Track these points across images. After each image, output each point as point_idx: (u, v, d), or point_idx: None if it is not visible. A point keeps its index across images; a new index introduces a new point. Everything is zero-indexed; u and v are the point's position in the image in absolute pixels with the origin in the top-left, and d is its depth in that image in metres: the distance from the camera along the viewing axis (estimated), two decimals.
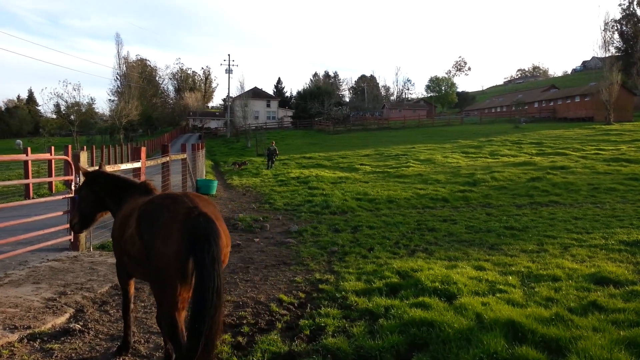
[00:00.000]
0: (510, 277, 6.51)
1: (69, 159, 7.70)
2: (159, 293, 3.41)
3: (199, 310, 3.09)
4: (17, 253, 7.00)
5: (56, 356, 4.28)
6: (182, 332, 3.31)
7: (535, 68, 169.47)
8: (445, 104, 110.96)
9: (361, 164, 27.96)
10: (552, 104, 73.25)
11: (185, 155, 14.57)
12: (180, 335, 3.29)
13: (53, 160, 17.65)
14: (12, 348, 4.40)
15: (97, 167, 4.78)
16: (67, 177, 8.08)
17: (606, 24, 68.02)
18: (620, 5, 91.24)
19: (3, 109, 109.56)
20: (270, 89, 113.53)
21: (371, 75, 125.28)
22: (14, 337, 4.56)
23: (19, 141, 60.39)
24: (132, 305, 4.37)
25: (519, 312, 4.74)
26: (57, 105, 60.38)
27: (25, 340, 4.57)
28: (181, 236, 3.20)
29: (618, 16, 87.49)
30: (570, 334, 4.21)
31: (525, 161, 25.69)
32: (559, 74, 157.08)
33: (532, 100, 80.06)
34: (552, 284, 6.15)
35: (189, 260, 3.18)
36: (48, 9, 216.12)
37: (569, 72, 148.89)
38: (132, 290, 4.35)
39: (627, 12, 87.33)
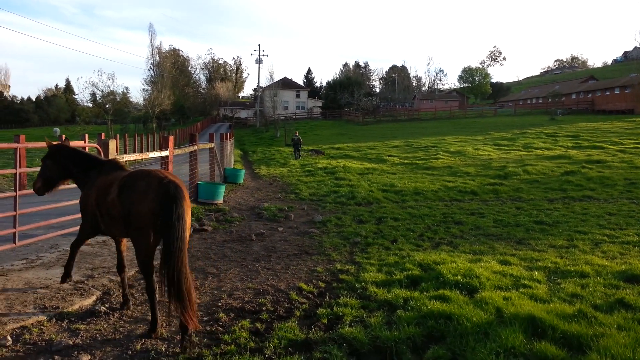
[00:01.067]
0: (536, 273, 6.38)
1: (98, 146, 7.90)
2: (136, 242, 4.47)
3: (168, 253, 4.15)
4: (48, 237, 7.27)
5: (81, 336, 4.44)
6: (153, 270, 4.48)
7: (573, 58, 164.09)
8: (479, 95, 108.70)
9: (389, 155, 27.75)
10: (590, 95, 70.80)
11: (212, 145, 14.76)
12: (152, 272, 4.47)
13: (87, 148, 18.11)
14: (42, 327, 4.59)
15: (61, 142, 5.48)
16: None
17: None
18: None
19: (42, 97, 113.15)
20: (300, 79, 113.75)
21: (402, 65, 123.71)
22: (43, 316, 4.75)
23: (56, 129, 62.34)
24: (77, 250, 5.46)
25: (540, 308, 4.64)
26: (93, 94, 61.95)
27: (54, 320, 4.76)
28: (154, 198, 4.25)
29: None
30: (593, 331, 4.10)
31: (560, 154, 24.99)
32: (599, 64, 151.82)
33: (569, 92, 77.58)
34: (579, 281, 5.99)
35: (159, 216, 4.22)
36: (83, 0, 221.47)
37: (609, 62, 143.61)
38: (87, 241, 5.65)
39: None
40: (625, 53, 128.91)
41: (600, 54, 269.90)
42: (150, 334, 4.49)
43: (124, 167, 5.19)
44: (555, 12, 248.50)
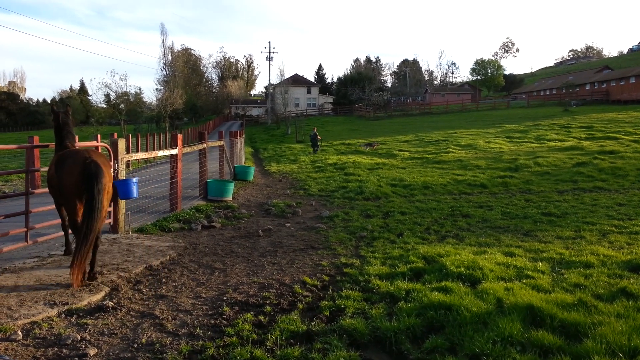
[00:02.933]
0: (540, 264, 6.38)
1: (108, 146, 8.06)
2: (66, 206, 5.74)
3: (88, 218, 5.39)
4: (60, 235, 7.43)
5: (89, 330, 4.57)
6: (80, 227, 5.50)
7: (588, 48, 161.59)
8: (492, 88, 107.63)
9: (400, 150, 27.70)
10: (605, 85, 69.71)
11: (222, 143, 14.90)
12: (77, 229, 5.57)
13: (99, 148, 18.40)
14: (51, 322, 4.73)
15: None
16: None
17: None
18: None
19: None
20: (311, 76, 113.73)
21: (414, 59, 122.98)
22: (53, 312, 4.88)
23: None
24: (66, 222, 6.35)
25: (539, 297, 4.67)
26: (107, 95, 62.82)
27: (63, 315, 4.89)
28: (79, 173, 5.40)
29: None
30: (591, 320, 4.12)
31: (572, 146, 24.72)
32: (614, 54, 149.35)
33: (583, 82, 76.47)
34: (583, 271, 5.99)
35: (83, 189, 5.46)
36: (95, 2, 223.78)
37: (625, 51, 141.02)
38: (63, 212, 6.34)
39: None
40: None
41: (615, 43, 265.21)
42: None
43: (68, 146, 6.16)
44: (569, 1, 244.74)
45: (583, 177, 16.02)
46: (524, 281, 5.54)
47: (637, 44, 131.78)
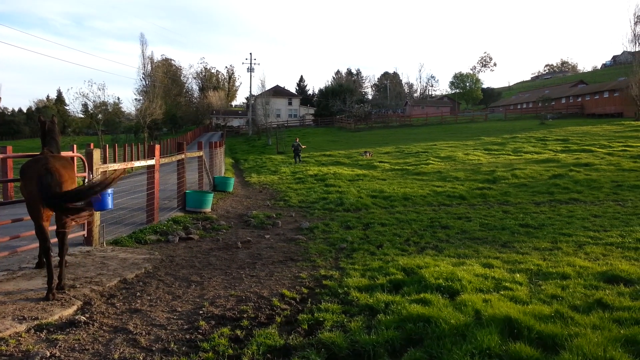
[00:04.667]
0: (518, 275, 6.42)
1: (82, 156, 7.90)
2: (31, 212, 5.69)
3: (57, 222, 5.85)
4: (32, 247, 7.22)
5: (59, 346, 4.41)
6: (47, 234, 5.66)
7: (563, 63, 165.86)
8: (470, 101, 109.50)
9: (380, 161, 27.84)
10: (579, 99, 71.48)
11: (201, 153, 14.75)
12: (46, 238, 5.65)
13: (74, 158, 18.04)
14: (19, 338, 4.55)
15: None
16: (81, 174, 8.28)
17: (637, 16, 65.59)
18: None
19: (33, 109, 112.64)
20: (292, 87, 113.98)
21: (394, 72, 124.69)
22: (21, 327, 4.71)
23: None
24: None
25: (517, 309, 4.68)
26: (85, 105, 61.90)
27: (32, 331, 4.72)
28: (36, 182, 5.43)
29: None
30: (568, 331, 4.13)
31: (548, 158, 25.18)
32: (589, 69, 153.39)
33: (559, 96, 78.28)
34: (560, 282, 6.04)
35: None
36: (73, 12, 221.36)
37: (599, 67, 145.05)
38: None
39: None
40: (615, 57, 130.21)
41: (590, 58, 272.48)
42: (48, 296, 5.46)
43: (37, 155, 6.25)
44: (545, 18, 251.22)
45: (559, 188, 16.29)
46: (502, 292, 5.55)
47: (610, 59, 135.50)
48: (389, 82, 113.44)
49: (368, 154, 31.98)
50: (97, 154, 8.07)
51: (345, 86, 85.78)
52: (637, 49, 61.47)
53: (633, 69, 55.85)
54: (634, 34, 62.00)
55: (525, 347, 3.88)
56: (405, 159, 28.72)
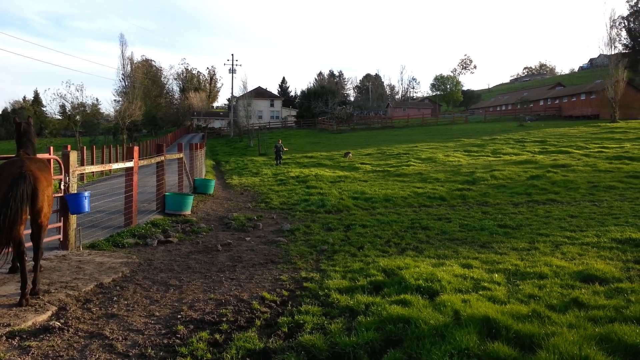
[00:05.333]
0: (496, 275, 6.48)
1: (59, 158, 7.74)
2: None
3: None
4: (4, 252, 7.03)
5: (32, 353, 4.30)
6: (21, 238, 5.52)
7: (542, 66, 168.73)
8: (451, 103, 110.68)
9: (362, 163, 27.93)
10: (557, 101, 72.82)
11: (181, 155, 14.60)
12: (21, 241, 5.50)
13: (51, 160, 17.70)
14: None
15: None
16: (57, 177, 8.12)
17: (613, 20, 67.15)
18: (627, 1, 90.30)
19: (9, 110, 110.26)
20: (274, 89, 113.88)
21: (376, 74, 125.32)
22: None
23: None
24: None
25: (495, 309, 4.72)
26: (62, 106, 60.83)
27: (4, 338, 4.59)
28: (9, 184, 5.34)
29: (626, 13, 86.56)
30: (545, 331, 4.18)
31: (527, 159, 25.56)
32: (566, 71, 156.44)
33: (537, 98, 79.61)
34: (537, 282, 6.11)
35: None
36: (52, 11, 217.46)
37: (576, 69, 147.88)
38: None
39: (635, 8, 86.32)
40: (591, 60, 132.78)
41: (567, 61, 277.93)
42: (21, 301, 5.35)
43: (13, 157, 6.20)
44: (524, 21, 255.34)
45: (537, 189, 16.53)
46: (480, 293, 5.60)
47: (587, 62, 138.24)
48: (371, 84, 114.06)
49: (349, 155, 32.33)
50: (74, 156, 7.92)
51: (327, 88, 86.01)
52: (613, 52, 62.96)
53: (609, 71, 57.17)
54: (610, 38, 63.52)
55: (503, 346, 3.92)
56: (386, 161, 28.86)
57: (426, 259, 7.59)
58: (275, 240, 9.56)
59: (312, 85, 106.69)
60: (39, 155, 6.80)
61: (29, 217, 5.68)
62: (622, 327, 4.15)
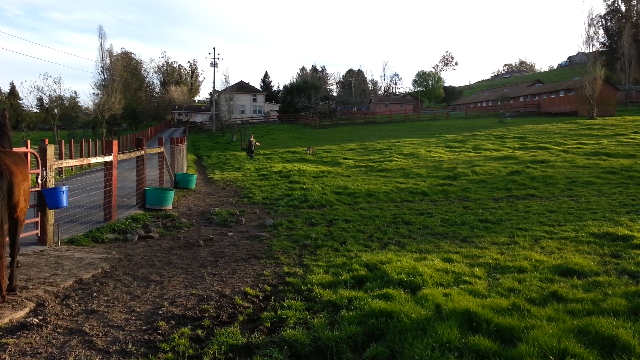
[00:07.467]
0: (477, 269, 6.56)
1: (36, 152, 7.58)
2: None
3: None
4: None
5: (9, 351, 4.22)
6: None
7: (522, 63, 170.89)
8: (432, 99, 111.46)
9: (344, 158, 27.98)
10: (536, 98, 73.84)
11: (162, 149, 14.43)
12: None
13: (28, 154, 17.33)
14: None
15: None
16: (34, 171, 7.96)
17: (591, 19, 68.57)
18: (604, 0, 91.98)
19: None
20: (257, 83, 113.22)
21: (359, 69, 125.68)
22: None
23: None
24: None
25: (476, 302, 4.78)
26: (40, 99, 59.63)
27: None
28: None
29: (603, 11, 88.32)
30: (525, 324, 4.25)
31: (506, 155, 25.91)
32: (545, 68, 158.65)
33: (517, 95, 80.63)
34: (517, 275, 6.20)
35: None
36: (28, 2, 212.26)
37: (555, 67, 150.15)
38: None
39: (612, 7, 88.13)
40: (570, 58, 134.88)
41: (547, 58, 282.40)
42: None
43: None
44: (504, 18, 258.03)
45: (517, 185, 16.78)
46: (461, 286, 5.66)
47: (566, 60, 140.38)
48: (354, 79, 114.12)
49: (311, 149, 33.16)
50: (51, 150, 7.76)
51: (310, 83, 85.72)
52: (591, 50, 64.11)
53: (587, 69, 58.28)
54: (588, 36, 64.85)
55: (484, 339, 3.96)
56: (369, 156, 28.96)
57: (408, 254, 7.64)
58: (258, 235, 9.53)
59: (294, 80, 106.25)
60: (16, 149, 6.65)
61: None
62: (599, 320, 4.24)
